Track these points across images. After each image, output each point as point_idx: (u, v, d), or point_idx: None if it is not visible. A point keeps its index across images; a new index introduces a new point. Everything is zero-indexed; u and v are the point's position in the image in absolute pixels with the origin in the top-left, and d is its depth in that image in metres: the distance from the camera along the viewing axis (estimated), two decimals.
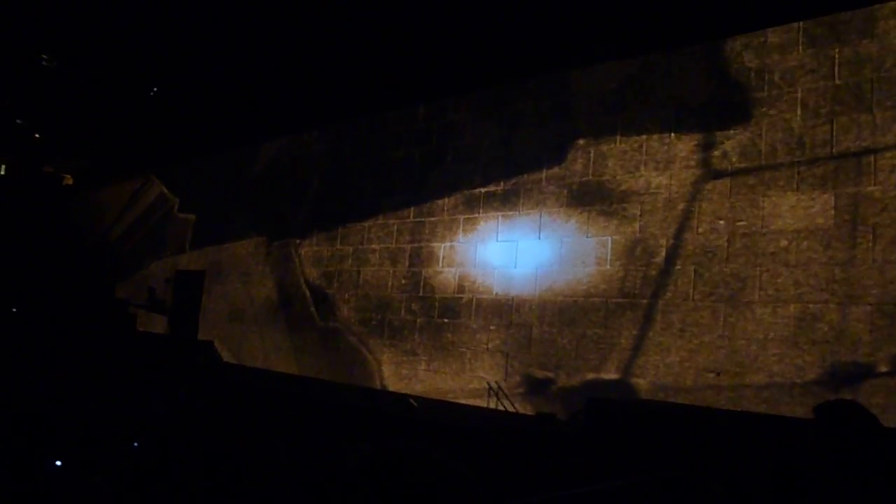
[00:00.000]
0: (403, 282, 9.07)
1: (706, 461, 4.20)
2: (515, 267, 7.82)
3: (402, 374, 8.77)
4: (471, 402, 7.85)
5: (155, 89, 12.18)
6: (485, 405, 7.68)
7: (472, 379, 7.96)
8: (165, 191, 14.65)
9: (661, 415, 5.48)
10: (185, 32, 9.51)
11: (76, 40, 10.50)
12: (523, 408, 7.35)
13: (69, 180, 18.70)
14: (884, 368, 5.34)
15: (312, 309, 10.31)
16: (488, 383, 7.70)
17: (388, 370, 8.99)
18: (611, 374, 6.83)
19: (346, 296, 9.84)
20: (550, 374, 7.28)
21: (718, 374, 6.14)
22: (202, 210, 13.40)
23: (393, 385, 8.85)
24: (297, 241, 10.85)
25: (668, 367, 6.46)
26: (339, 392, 8.73)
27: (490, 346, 7.88)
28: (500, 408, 7.50)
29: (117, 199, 16.35)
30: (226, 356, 11.76)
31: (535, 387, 7.39)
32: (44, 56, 11.14)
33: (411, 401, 7.54)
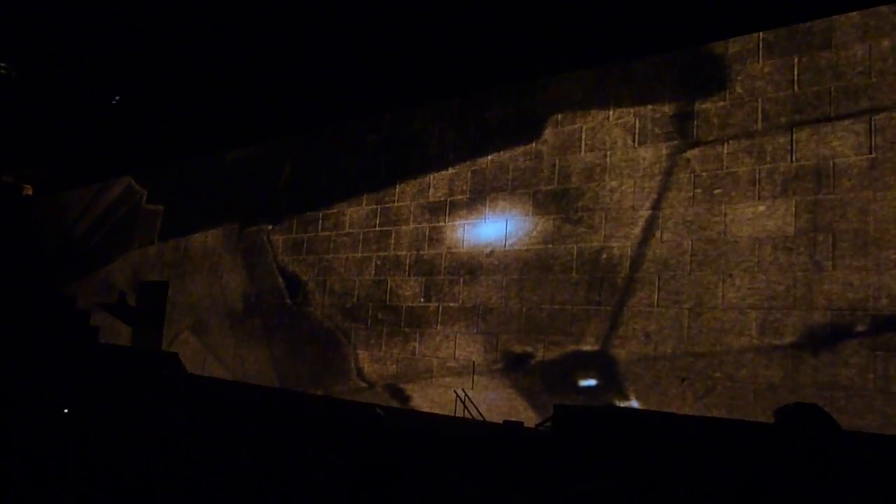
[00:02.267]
0: (370, 290, 9.03)
1: (670, 466, 4.21)
2: (482, 274, 7.82)
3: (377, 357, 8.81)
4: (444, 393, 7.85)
5: (118, 98, 12.02)
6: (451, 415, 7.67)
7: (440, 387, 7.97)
8: (133, 183, 14.43)
9: (627, 421, 5.50)
10: (154, 38, 9.40)
11: (35, 49, 10.33)
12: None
13: (28, 191, 18.34)
14: (847, 374, 5.42)
15: (288, 300, 10.29)
16: (455, 391, 7.69)
17: (363, 355, 9.00)
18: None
19: (320, 295, 9.77)
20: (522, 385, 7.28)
21: (684, 380, 6.18)
22: (171, 200, 13.28)
23: (368, 367, 8.85)
24: (270, 228, 10.78)
25: (636, 369, 6.50)
26: (306, 403, 8.64)
27: (458, 353, 7.87)
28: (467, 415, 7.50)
29: (83, 195, 16.11)
30: (196, 347, 11.62)
31: (509, 368, 7.38)
32: (2, 65, 10.94)
33: (378, 410, 7.48)
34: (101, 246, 15.06)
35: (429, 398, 8.06)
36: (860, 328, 5.39)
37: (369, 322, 8.93)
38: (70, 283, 15.65)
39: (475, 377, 7.67)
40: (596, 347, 6.79)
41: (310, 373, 9.56)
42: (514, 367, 7.39)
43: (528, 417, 7.04)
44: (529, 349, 7.28)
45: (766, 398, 5.67)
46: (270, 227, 10.76)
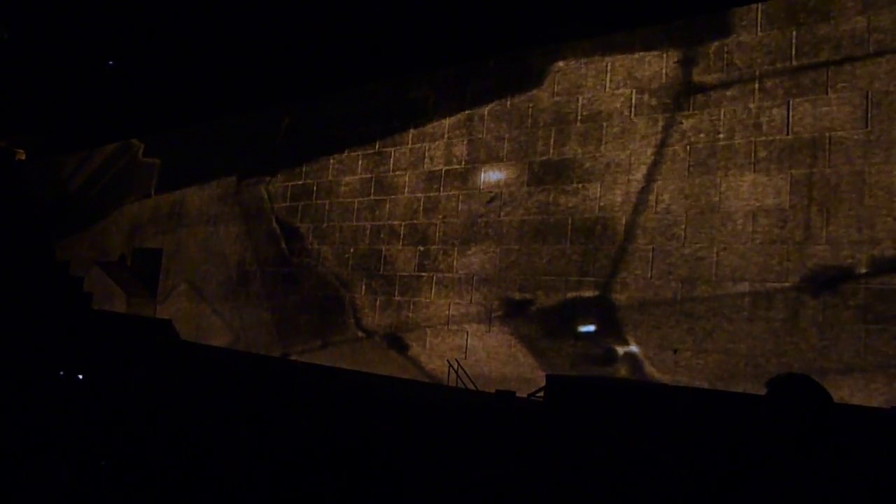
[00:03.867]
0: (363, 257, 9.04)
1: (661, 438, 4.25)
2: (476, 243, 7.82)
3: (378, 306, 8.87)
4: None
5: (111, 62, 11.86)
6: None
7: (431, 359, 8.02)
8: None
9: (619, 392, 5.54)
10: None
11: (28, 11, 10.18)
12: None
13: (21, 155, 18.22)
14: (837, 346, 5.45)
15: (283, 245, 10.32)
16: (448, 361, 7.73)
17: (362, 306, 9.04)
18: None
19: (318, 247, 9.79)
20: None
21: (675, 351, 6.22)
22: (168, 154, 13.27)
23: (367, 318, 8.91)
24: (269, 179, 10.78)
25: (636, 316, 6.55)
26: (300, 371, 8.68)
27: (451, 324, 7.91)
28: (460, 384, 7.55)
29: (78, 152, 16.06)
30: (194, 303, 11.69)
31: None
32: None
33: (371, 380, 7.54)
34: (97, 200, 15.03)
35: (429, 347, 8.13)
36: (852, 303, 5.42)
37: (368, 278, 8.96)
38: (66, 237, 15.64)
39: (475, 325, 7.72)
40: (595, 292, 6.84)
41: (309, 325, 9.62)
42: (513, 315, 7.44)
43: (528, 364, 7.16)
44: (529, 296, 7.32)
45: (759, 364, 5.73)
46: (269, 178, 10.75)
